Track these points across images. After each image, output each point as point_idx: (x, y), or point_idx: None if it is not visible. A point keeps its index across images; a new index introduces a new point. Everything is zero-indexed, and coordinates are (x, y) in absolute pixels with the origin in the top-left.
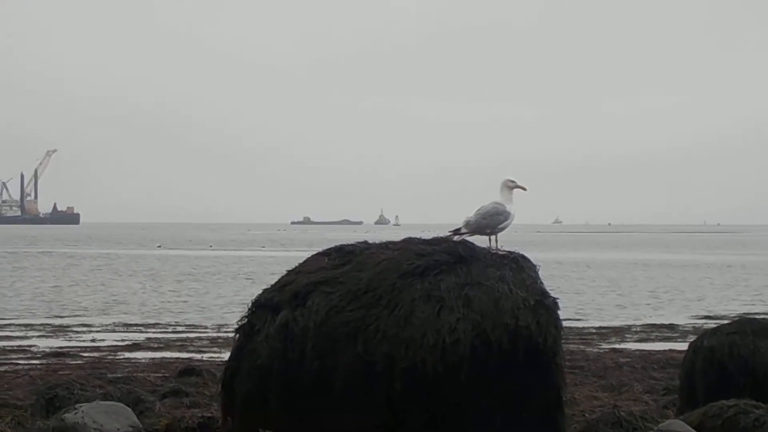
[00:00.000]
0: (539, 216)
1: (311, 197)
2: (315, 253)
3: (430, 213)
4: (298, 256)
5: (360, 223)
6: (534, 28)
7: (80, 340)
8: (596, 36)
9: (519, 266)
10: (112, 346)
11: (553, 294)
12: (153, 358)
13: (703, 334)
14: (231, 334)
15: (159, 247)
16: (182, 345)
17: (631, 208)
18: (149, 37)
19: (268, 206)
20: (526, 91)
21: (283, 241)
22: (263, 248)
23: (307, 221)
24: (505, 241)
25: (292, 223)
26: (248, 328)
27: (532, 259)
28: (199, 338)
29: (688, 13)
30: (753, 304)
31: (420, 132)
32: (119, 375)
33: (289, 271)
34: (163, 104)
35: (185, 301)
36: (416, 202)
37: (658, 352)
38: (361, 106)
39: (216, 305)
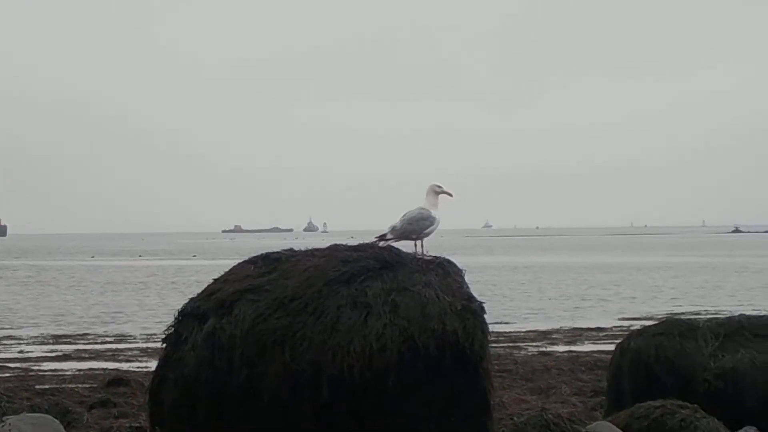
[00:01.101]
0: (470, 221)
1: (242, 206)
2: (241, 261)
3: (358, 220)
4: (227, 264)
5: (290, 230)
6: (480, 37)
7: (7, 352)
8: (528, 49)
9: (445, 271)
10: (40, 357)
11: (479, 298)
12: (81, 369)
13: (630, 336)
14: (159, 344)
15: (93, 257)
16: (110, 355)
17: (559, 212)
18: (79, 36)
19: (199, 215)
20: (463, 97)
21: (213, 249)
22: (194, 257)
23: (238, 230)
24: (432, 246)
25: (224, 231)
26: (175, 337)
27: (458, 264)
28: (128, 348)
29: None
30: (679, 305)
31: (349, 139)
32: (47, 386)
33: (215, 280)
34: (89, 111)
35: (114, 311)
36: (344, 209)
37: (586, 354)
38: (290, 112)
39: (144, 315)
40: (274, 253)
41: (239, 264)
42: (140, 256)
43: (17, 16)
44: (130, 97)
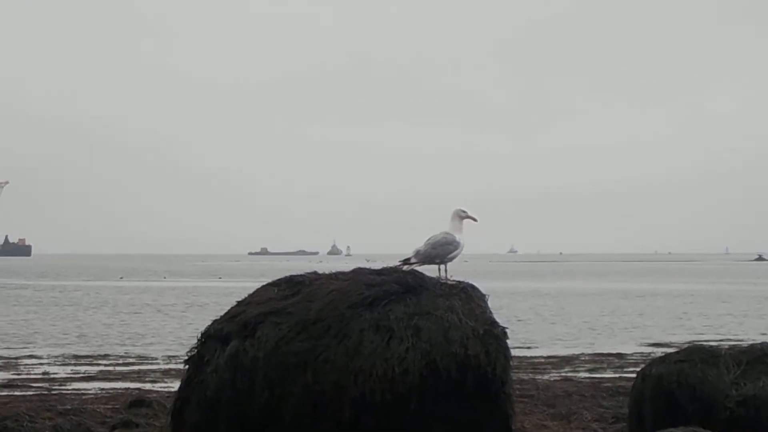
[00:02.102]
0: (495, 246)
1: (269, 228)
2: (265, 283)
3: (382, 243)
4: (252, 286)
5: (316, 253)
6: (497, 56)
7: (30, 373)
8: (550, 65)
9: (468, 296)
10: (63, 377)
11: (502, 323)
12: (103, 390)
13: (652, 362)
14: (182, 366)
15: (121, 278)
16: (133, 376)
17: (583, 238)
18: (104, 62)
19: (226, 237)
20: (483, 120)
21: (239, 271)
22: (220, 279)
23: (264, 252)
24: (456, 271)
25: (250, 254)
26: (198, 359)
27: (481, 289)
28: (150, 369)
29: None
30: (701, 333)
31: (373, 162)
32: (69, 407)
33: (238, 302)
34: (116, 134)
35: (137, 332)
36: (368, 233)
37: (608, 380)
38: (312, 134)
39: (167, 336)
40: (297, 276)
41: (263, 286)
42: (165, 277)
43: (41, 46)
44: (156, 122)
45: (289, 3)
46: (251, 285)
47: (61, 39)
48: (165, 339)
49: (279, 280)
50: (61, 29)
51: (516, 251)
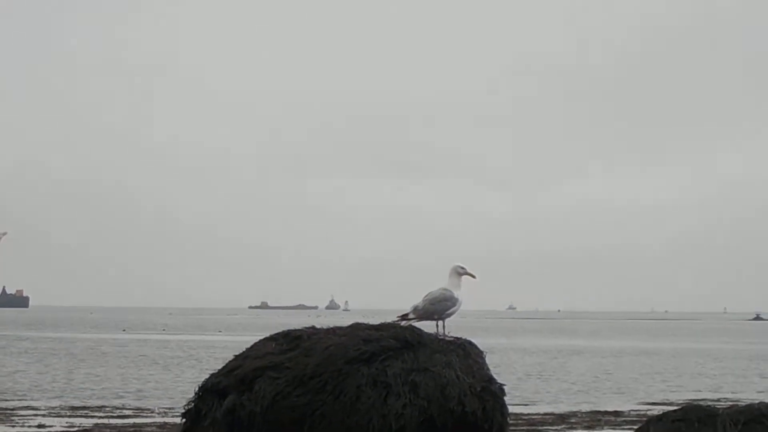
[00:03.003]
0: (494, 302)
1: (269, 282)
2: (262, 338)
3: (380, 299)
4: (252, 340)
5: (315, 307)
6: (497, 120)
7: (26, 424)
8: (543, 126)
9: (466, 352)
10: (58, 430)
11: (499, 380)
12: None
13: (649, 421)
14: (178, 419)
15: (124, 331)
16: (129, 429)
17: (581, 296)
18: (104, 122)
19: (227, 291)
20: (482, 177)
21: (238, 325)
22: (220, 332)
23: (264, 306)
24: (454, 327)
25: (250, 307)
26: (194, 413)
27: (479, 345)
28: (147, 423)
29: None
30: (699, 391)
31: (370, 217)
32: None
33: (236, 356)
34: (116, 186)
35: (134, 385)
36: (366, 288)
37: None
38: (311, 190)
39: (164, 389)
40: (295, 330)
41: (260, 341)
42: (164, 330)
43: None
44: (156, 177)
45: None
46: (251, 339)
47: (55, 92)
48: (162, 392)
49: (277, 334)
50: (57, 85)
51: (515, 308)
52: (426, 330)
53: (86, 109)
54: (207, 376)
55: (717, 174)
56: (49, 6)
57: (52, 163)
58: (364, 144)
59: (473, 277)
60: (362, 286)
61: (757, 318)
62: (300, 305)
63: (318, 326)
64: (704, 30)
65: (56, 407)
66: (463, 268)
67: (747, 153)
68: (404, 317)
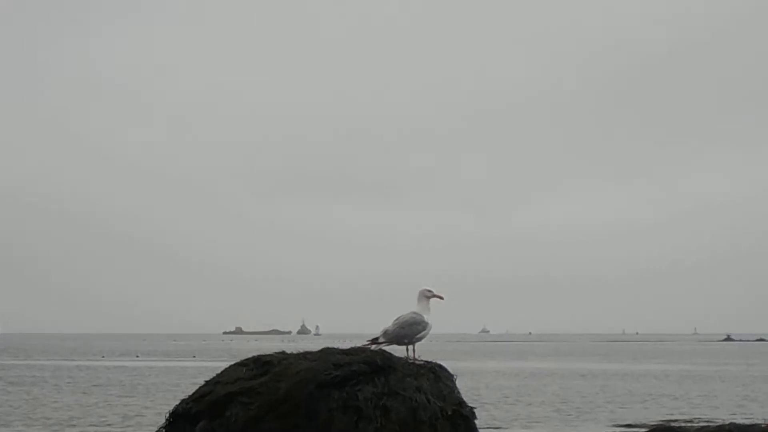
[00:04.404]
0: (466, 326)
1: (243, 308)
2: (233, 363)
3: (351, 323)
4: (225, 366)
5: (289, 332)
6: (471, 143)
7: None
8: (515, 148)
9: (436, 376)
10: None
11: (470, 403)
12: None
13: None
14: None
15: (103, 357)
16: None
17: (552, 318)
18: (85, 146)
19: (201, 317)
20: (451, 202)
21: (212, 350)
22: (194, 357)
23: (238, 331)
24: (424, 351)
25: (224, 333)
26: None
27: (449, 369)
28: None
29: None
30: (671, 413)
31: (340, 242)
32: None
33: (207, 381)
34: (86, 210)
35: (105, 411)
36: (337, 312)
37: None
38: (282, 214)
39: (137, 415)
40: (265, 355)
41: (231, 366)
42: (137, 356)
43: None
44: (128, 208)
45: None
46: (224, 364)
47: (40, 117)
48: (133, 418)
49: (247, 359)
50: (44, 110)
51: (488, 331)
52: (396, 354)
53: (57, 131)
54: (178, 402)
55: (686, 196)
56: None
57: (25, 185)
58: (335, 167)
59: (441, 298)
60: (333, 311)
61: (728, 339)
62: (274, 330)
63: (288, 351)
64: (680, 53)
65: None
66: (430, 291)
67: (716, 176)
68: (375, 341)
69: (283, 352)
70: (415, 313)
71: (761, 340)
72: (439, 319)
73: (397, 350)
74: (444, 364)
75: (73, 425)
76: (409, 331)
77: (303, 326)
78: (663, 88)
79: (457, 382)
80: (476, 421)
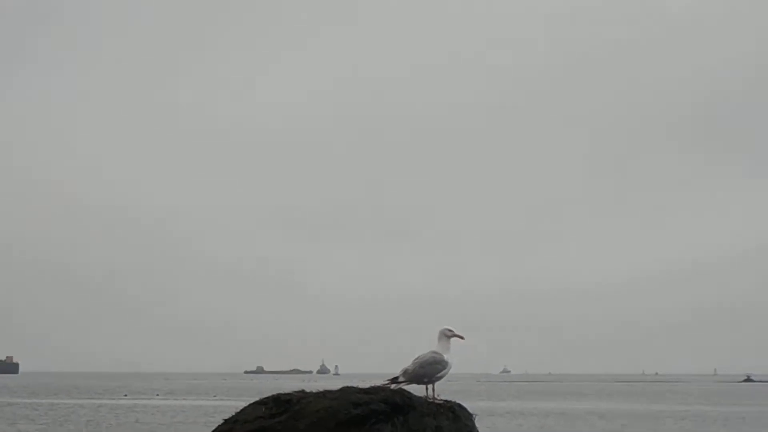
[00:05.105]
0: (487, 365)
1: (265, 347)
2: (252, 402)
3: (370, 362)
4: (243, 405)
5: (309, 372)
6: (483, 179)
7: None
8: (533, 196)
9: (455, 415)
10: None
11: None
12: None
13: None
14: None
15: (125, 396)
16: None
17: (571, 359)
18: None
19: (223, 356)
20: (471, 238)
21: (232, 390)
22: (215, 397)
23: (260, 371)
24: (443, 390)
25: (246, 372)
26: None
27: (468, 408)
28: None
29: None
30: None
31: (360, 281)
32: None
33: (225, 420)
34: (103, 258)
35: None
36: (356, 352)
37: None
38: (301, 253)
39: None
40: (285, 394)
41: (250, 405)
42: (157, 395)
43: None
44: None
45: None
46: (245, 403)
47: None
48: None
49: (266, 398)
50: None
51: (509, 371)
52: (416, 393)
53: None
54: None
55: (703, 240)
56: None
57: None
58: (348, 208)
59: (461, 338)
60: (352, 351)
61: (748, 380)
62: (294, 369)
63: (307, 390)
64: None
65: None
66: (450, 330)
67: (735, 221)
68: (394, 381)
69: (303, 391)
70: (435, 352)
71: None
72: (459, 359)
73: (417, 389)
74: (464, 403)
75: None
76: (429, 370)
77: (323, 366)
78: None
79: (476, 422)
80: None
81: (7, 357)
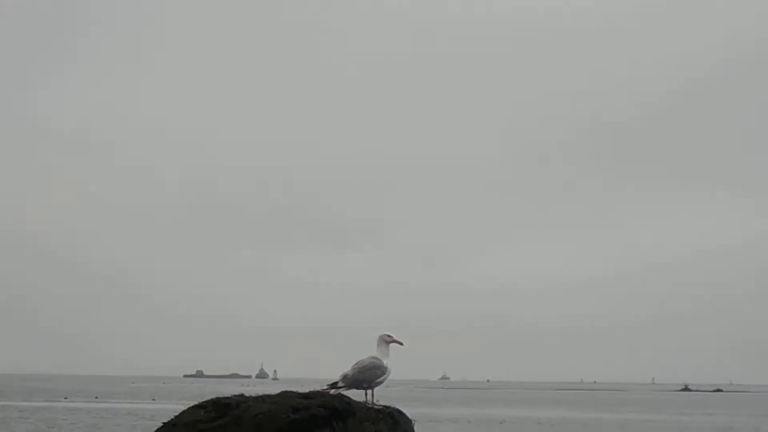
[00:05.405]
0: (426, 372)
1: (205, 351)
2: (191, 405)
3: (310, 367)
4: (182, 408)
5: (249, 377)
6: (430, 191)
7: None
8: (466, 200)
9: (395, 421)
10: None
11: None
12: None
13: None
14: None
15: (66, 399)
16: None
17: (510, 366)
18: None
19: (162, 359)
20: (409, 247)
21: (172, 394)
22: (154, 401)
23: (200, 375)
24: (382, 396)
25: (185, 376)
26: None
27: (408, 414)
28: None
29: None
30: None
31: (300, 286)
32: None
33: (165, 424)
34: (51, 248)
35: None
36: (295, 357)
37: None
38: (246, 258)
39: None
40: (224, 398)
41: (189, 408)
42: (96, 398)
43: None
44: (90, 246)
45: None
46: (184, 407)
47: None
48: None
49: (206, 402)
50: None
51: (448, 378)
52: (355, 398)
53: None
54: None
55: (643, 247)
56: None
57: None
58: (291, 212)
59: (401, 344)
60: (291, 355)
61: (686, 389)
62: (234, 374)
63: (248, 394)
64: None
65: None
66: (390, 336)
67: (670, 229)
68: (334, 386)
69: (242, 395)
70: (374, 357)
71: (719, 390)
72: (399, 365)
73: (356, 395)
74: (403, 409)
75: None
76: (368, 375)
77: (261, 370)
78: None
79: (415, 428)
80: None
81: None
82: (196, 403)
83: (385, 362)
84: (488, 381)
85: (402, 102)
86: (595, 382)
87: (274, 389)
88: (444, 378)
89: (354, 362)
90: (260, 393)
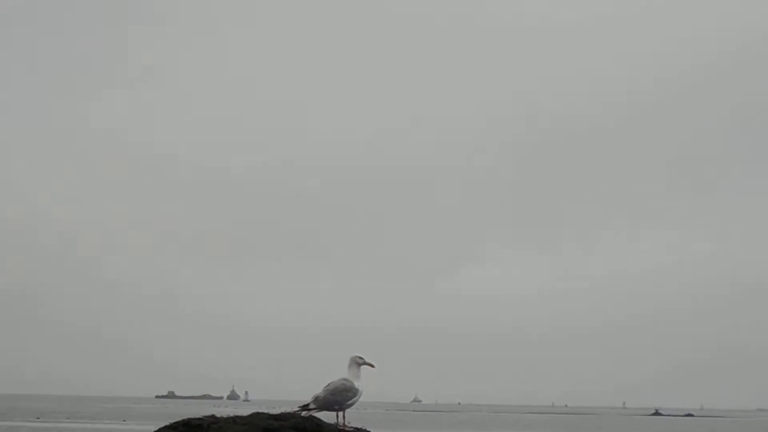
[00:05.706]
0: (398, 395)
1: (176, 372)
2: (162, 426)
3: (281, 389)
4: (152, 429)
5: (221, 398)
6: (399, 203)
7: None
8: (438, 212)
9: None
10: None
11: None
12: None
13: None
14: None
15: (38, 419)
16: None
17: (481, 389)
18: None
19: (134, 380)
20: (380, 263)
21: (142, 414)
22: (124, 422)
23: (171, 395)
24: (353, 418)
25: (157, 396)
26: None
27: None
28: None
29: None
30: None
31: (271, 303)
32: None
33: None
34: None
35: None
36: (267, 378)
37: None
38: (214, 275)
39: None
40: (195, 419)
41: (160, 429)
42: (68, 418)
43: None
44: None
45: None
46: (155, 428)
47: None
48: None
49: (177, 422)
50: None
51: (420, 401)
52: (327, 420)
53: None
54: None
55: (615, 266)
56: None
57: None
58: (255, 226)
59: (372, 366)
60: (263, 377)
61: (656, 413)
62: (206, 395)
63: (218, 415)
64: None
65: None
66: (361, 358)
67: (647, 246)
68: (305, 407)
69: (213, 416)
70: (345, 379)
71: (689, 415)
72: (370, 387)
73: (328, 416)
74: (373, 431)
75: None
76: (339, 397)
77: (233, 391)
78: (581, 156)
79: None
80: None
81: None
82: (168, 423)
83: (356, 384)
84: (459, 404)
85: None
86: (566, 405)
87: (245, 411)
88: (416, 400)
89: (325, 384)
90: (232, 414)
